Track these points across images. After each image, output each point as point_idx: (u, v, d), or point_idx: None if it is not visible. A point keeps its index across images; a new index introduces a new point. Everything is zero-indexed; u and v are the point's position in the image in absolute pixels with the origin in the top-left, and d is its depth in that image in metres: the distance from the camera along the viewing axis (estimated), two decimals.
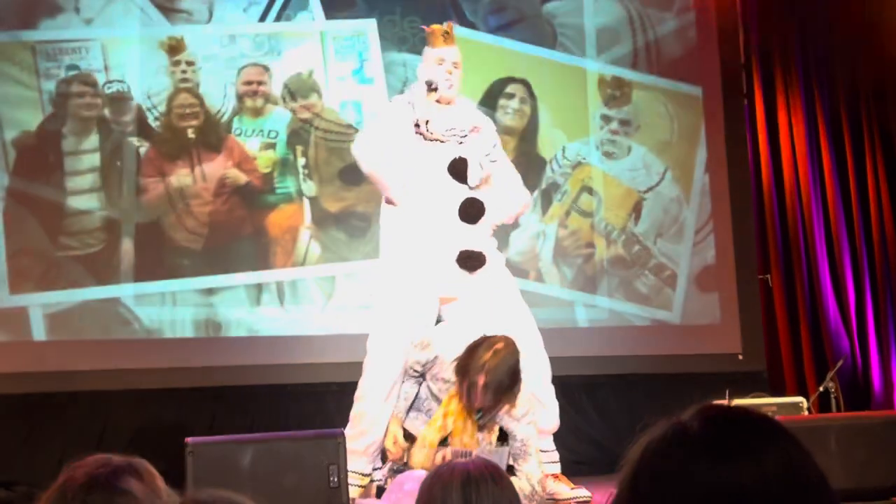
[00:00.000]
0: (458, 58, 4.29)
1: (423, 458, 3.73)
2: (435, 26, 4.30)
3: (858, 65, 6.62)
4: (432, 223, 4.09)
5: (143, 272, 5.45)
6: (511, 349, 3.71)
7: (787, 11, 6.53)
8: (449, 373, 3.82)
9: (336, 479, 3.14)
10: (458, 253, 4.08)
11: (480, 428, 3.82)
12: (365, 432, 3.95)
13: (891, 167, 6.66)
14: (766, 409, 5.19)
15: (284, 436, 3.42)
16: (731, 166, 6.33)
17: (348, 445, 3.89)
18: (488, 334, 3.78)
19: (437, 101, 4.19)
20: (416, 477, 3.51)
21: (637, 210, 6.25)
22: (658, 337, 6.04)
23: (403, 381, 3.98)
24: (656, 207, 6.27)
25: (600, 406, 5.89)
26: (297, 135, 5.89)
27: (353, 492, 3.85)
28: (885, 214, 6.61)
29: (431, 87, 4.17)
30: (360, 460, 3.93)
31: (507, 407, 3.79)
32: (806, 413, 5.31)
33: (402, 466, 3.78)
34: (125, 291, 5.43)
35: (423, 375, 3.97)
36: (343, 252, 5.80)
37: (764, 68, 6.60)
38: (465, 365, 3.69)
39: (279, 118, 5.89)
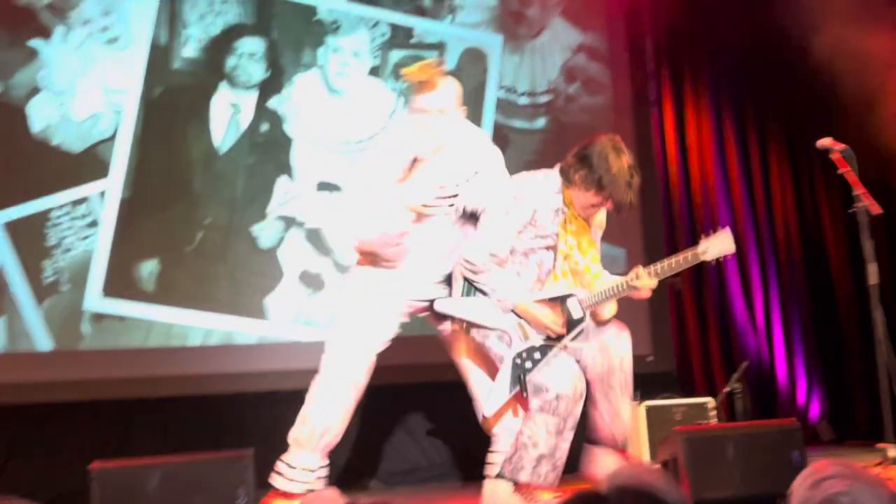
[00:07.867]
0: (443, 103, 3.55)
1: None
2: (410, 74, 3.54)
3: (763, 74, 6.80)
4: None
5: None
6: None
7: (695, 20, 6.63)
8: None
9: (244, 501, 3.14)
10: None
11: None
12: (314, 431, 3.65)
13: (794, 171, 6.89)
14: (674, 410, 5.42)
15: (191, 458, 3.41)
16: (641, 171, 6.40)
17: (295, 439, 3.65)
18: None
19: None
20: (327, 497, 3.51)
21: None
22: None
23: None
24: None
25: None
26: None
27: (300, 488, 3.58)
28: (790, 219, 6.82)
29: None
30: (308, 455, 3.65)
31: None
32: (713, 413, 5.49)
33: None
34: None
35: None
36: None
37: (674, 77, 6.73)
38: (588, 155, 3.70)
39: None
